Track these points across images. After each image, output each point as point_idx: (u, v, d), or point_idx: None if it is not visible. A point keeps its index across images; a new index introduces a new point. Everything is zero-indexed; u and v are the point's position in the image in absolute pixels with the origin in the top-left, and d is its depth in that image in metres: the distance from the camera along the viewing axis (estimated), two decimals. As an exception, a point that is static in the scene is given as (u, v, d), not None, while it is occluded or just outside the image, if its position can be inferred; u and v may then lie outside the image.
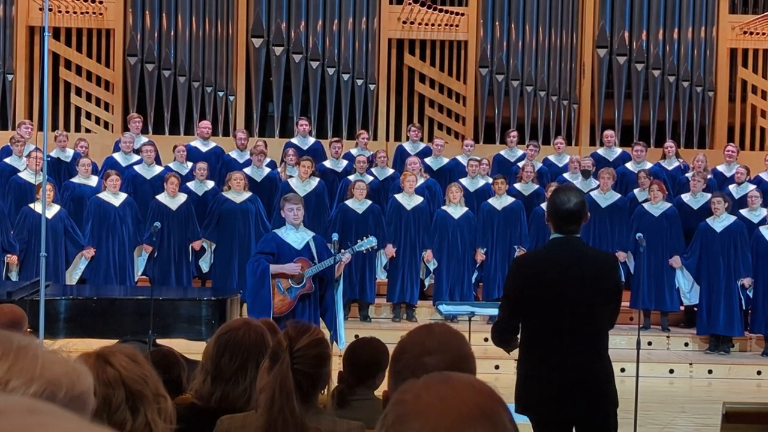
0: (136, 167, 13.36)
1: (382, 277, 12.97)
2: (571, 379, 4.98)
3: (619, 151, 14.96)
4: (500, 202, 12.93)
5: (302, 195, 12.83)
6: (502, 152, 15.07)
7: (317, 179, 13.26)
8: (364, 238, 9.65)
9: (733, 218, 12.17)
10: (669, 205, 12.67)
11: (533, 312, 5.06)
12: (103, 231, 12.20)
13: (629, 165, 14.29)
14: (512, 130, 15.31)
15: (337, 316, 8.81)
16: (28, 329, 5.51)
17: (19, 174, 12.86)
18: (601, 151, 14.98)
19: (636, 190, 13.33)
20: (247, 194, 12.51)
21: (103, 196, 12.31)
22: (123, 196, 12.41)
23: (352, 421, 3.38)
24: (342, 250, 8.85)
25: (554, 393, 4.99)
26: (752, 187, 13.17)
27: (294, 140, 14.84)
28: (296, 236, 8.76)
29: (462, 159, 14.50)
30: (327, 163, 14.10)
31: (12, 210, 12.36)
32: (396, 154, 15.04)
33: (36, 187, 11.80)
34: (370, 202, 12.67)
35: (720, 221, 12.09)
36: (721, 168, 14.29)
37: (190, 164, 13.54)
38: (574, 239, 5.12)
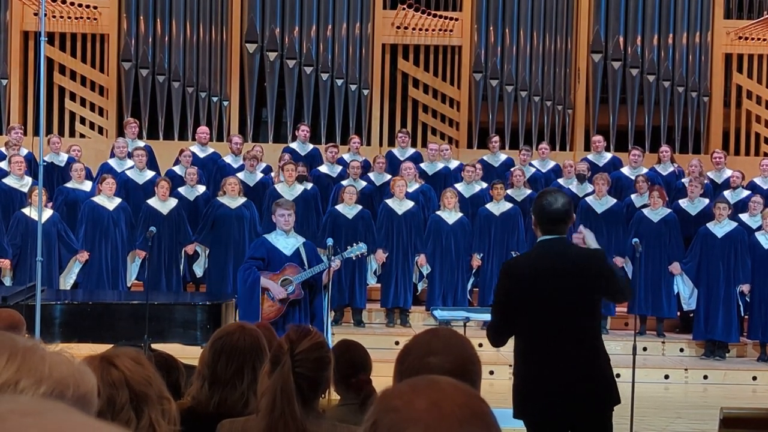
0: (128, 172, 13.33)
1: (372, 282, 12.94)
2: (567, 381, 4.95)
3: (609, 156, 14.97)
4: (498, 207, 12.91)
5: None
6: (484, 157, 15.01)
7: (309, 184, 13.20)
8: (354, 244, 9.66)
9: (734, 224, 12.16)
10: (668, 210, 12.64)
11: (525, 316, 5.05)
12: (96, 235, 12.17)
13: (625, 170, 14.28)
14: (493, 135, 15.27)
15: (325, 322, 8.84)
16: (26, 334, 5.50)
17: (4, 180, 12.76)
18: (590, 156, 14.97)
19: (633, 196, 13.29)
20: (242, 200, 12.43)
21: (98, 199, 12.27)
22: (117, 200, 12.38)
23: (352, 426, 3.37)
24: (333, 257, 8.88)
25: (551, 398, 4.97)
26: (746, 192, 13.16)
27: (293, 145, 14.81)
28: (286, 242, 8.80)
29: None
30: (322, 169, 14.04)
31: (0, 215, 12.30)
32: (386, 160, 15.00)
33: (28, 191, 11.77)
34: (360, 207, 12.62)
35: (721, 227, 12.08)
36: (710, 174, 14.29)
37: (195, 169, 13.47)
38: (561, 240, 5.13)
